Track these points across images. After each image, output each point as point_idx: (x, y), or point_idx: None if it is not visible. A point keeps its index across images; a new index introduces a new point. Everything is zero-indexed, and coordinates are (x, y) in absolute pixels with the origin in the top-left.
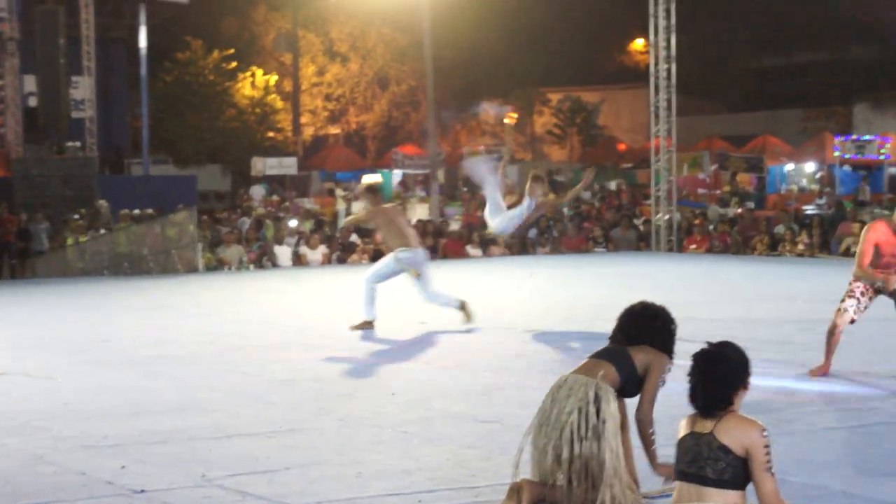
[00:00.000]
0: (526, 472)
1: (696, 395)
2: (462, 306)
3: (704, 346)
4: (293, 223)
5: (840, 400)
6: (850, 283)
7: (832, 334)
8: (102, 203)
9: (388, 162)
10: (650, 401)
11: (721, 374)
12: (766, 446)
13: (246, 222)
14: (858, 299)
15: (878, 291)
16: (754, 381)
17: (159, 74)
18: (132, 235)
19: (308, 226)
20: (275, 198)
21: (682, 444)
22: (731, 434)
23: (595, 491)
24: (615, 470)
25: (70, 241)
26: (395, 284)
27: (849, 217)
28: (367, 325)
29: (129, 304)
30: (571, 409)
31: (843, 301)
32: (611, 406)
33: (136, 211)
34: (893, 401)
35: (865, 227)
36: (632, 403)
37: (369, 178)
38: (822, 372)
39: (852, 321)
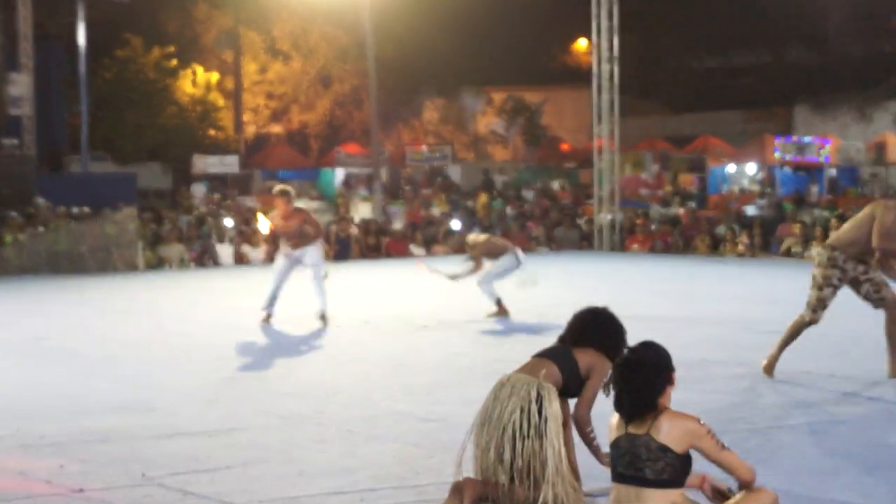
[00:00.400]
0: (469, 471)
1: (621, 403)
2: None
3: (625, 352)
4: (229, 223)
5: (784, 398)
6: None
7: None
8: (40, 201)
9: (331, 161)
10: (588, 402)
11: (643, 379)
12: (709, 431)
13: (186, 221)
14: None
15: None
16: (684, 385)
17: (99, 71)
18: (71, 233)
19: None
20: (216, 196)
21: (618, 446)
22: (670, 434)
23: (537, 490)
24: (557, 469)
25: (9, 239)
26: (338, 283)
27: (788, 218)
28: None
29: (68, 303)
30: (514, 409)
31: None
32: (553, 405)
33: (75, 209)
34: (834, 398)
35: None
36: (574, 403)
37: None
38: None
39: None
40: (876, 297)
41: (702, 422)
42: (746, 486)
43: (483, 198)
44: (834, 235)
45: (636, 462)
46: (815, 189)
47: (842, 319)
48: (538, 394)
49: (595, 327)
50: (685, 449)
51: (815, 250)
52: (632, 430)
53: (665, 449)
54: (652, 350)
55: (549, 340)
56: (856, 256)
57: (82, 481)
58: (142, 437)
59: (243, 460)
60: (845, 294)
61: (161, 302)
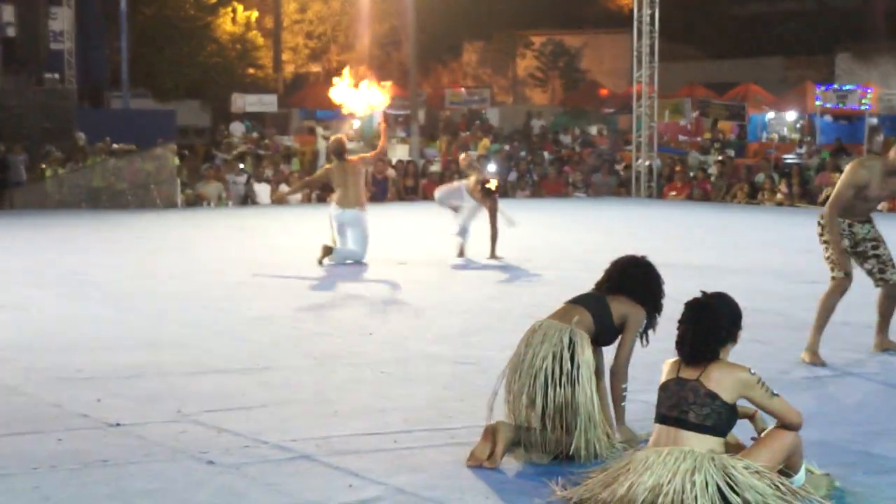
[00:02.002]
0: (500, 416)
1: (683, 343)
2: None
3: (699, 295)
4: (241, 165)
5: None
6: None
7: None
8: (80, 136)
9: None
10: (626, 354)
11: (711, 324)
12: (759, 380)
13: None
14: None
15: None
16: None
17: (139, 8)
18: (110, 169)
19: (296, 166)
20: (254, 135)
21: (666, 389)
22: (721, 382)
23: (569, 436)
24: (590, 416)
25: (48, 173)
26: (375, 225)
27: (828, 167)
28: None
29: (106, 238)
30: (546, 355)
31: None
32: (585, 352)
33: (115, 145)
34: (872, 351)
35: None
36: (608, 351)
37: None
38: None
39: None
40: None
41: (752, 371)
42: (796, 429)
43: (485, 142)
44: None
45: (681, 404)
46: (879, 138)
47: None
48: (570, 340)
49: (634, 277)
50: (734, 398)
51: None
52: (683, 375)
53: (713, 396)
54: (725, 300)
55: (584, 286)
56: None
57: (118, 416)
58: (176, 374)
59: (277, 399)
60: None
61: (197, 240)
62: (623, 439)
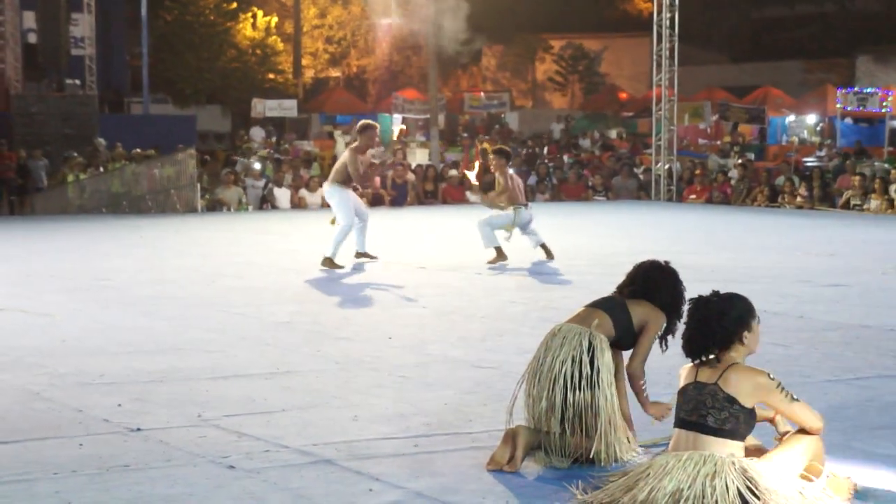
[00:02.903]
0: (520, 419)
1: (685, 339)
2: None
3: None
4: (257, 166)
5: (842, 352)
6: None
7: None
8: (100, 141)
9: (389, 106)
10: (642, 356)
11: (705, 323)
12: (779, 385)
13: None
14: None
15: None
16: None
17: (160, 13)
18: (131, 174)
19: (315, 170)
20: (274, 140)
21: (685, 393)
22: (739, 386)
23: (589, 440)
24: (610, 420)
25: (70, 178)
26: (394, 229)
27: (848, 170)
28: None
29: (127, 244)
30: (565, 358)
31: None
32: (605, 356)
33: (137, 150)
34: (893, 354)
35: None
36: (627, 355)
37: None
38: None
39: None
40: None
41: (772, 376)
42: (817, 434)
43: (486, 144)
44: None
45: (700, 409)
46: None
47: None
48: (590, 344)
49: (657, 282)
50: (753, 403)
51: None
52: (701, 379)
53: (732, 400)
54: (730, 300)
55: (605, 290)
56: None
57: (139, 420)
58: (198, 379)
59: (298, 404)
60: None
61: (218, 244)
62: (656, 413)
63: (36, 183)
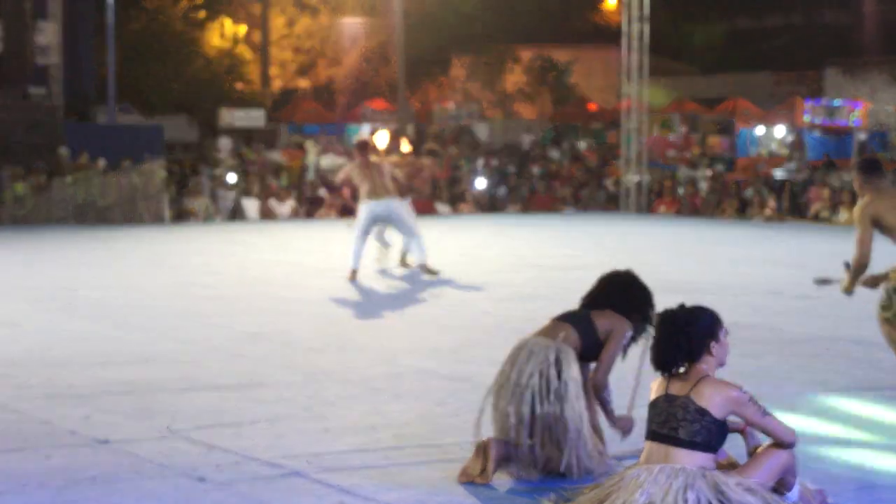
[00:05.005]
0: (488, 433)
1: (653, 352)
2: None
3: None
4: (232, 178)
5: (813, 364)
6: None
7: None
8: (63, 151)
9: (358, 117)
10: (606, 366)
11: (678, 334)
12: (751, 398)
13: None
14: None
15: None
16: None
17: (127, 22)
18: (97, 184)
19: (284, 181)
20: (242, 150)
21: (656, 406)
22: (711, 399)
23: (560, 452)
24: (579, 432)
25: (18, 188)
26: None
27: (817, 182)
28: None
29: (94, 254)
30: (532, 372)
31: None
32: (572, 369)
33: (102, 160)
34: (863, 366)
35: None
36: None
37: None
38: None
39: None
40: None
41: (743, 389)
42: (789, 447)
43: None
44: None
45: (671, 421)
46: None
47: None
48: (557, 357)
49: (616, 290)
50: (724, 415)
51: None
52: (672, 391)
53: (703, 412)
54: (696, 312)
55: (575, 301)
56: None
57: (108, 432)
58: (167, 390)
59: (268, 415)
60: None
61: (187, 255)
62: (623, 427)
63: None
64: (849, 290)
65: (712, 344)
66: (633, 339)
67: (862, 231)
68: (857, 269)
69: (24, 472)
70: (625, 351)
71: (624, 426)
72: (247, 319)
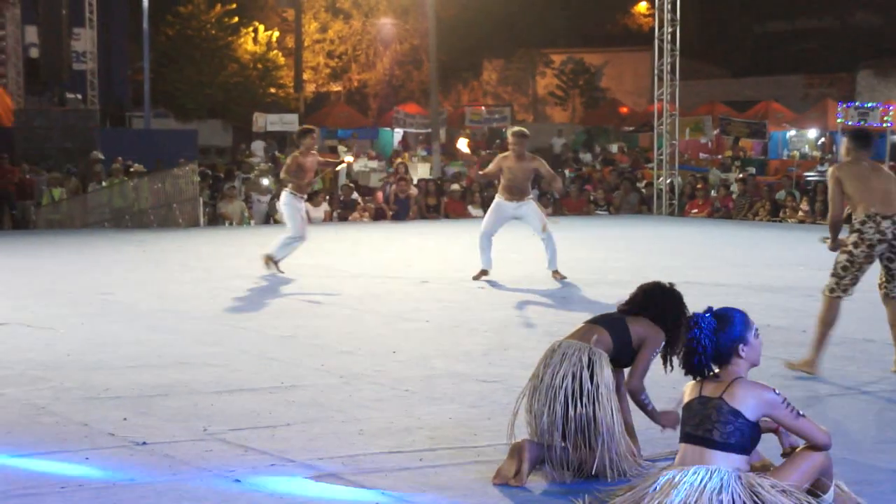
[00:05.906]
0: (522, 435)
1: (682, 357)
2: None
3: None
4: (265, 182)
5: (846, 366)
6: None
7: None
8: (96, 154)
9: (390, 121)
10: (641, 373)
11: (705, 340)
12: (784, 400)
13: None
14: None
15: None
16: None
17: (161, 28)
18: (131, 189)
19: (317, 185)
20: (276, 153)
21: (690, 408)
22: (744, 401)
23: (593, 454)
24: (612, 434)
25: (56, 193)
26: (397, 244)
27: None
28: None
29: (130, 258)
30: (565, 374)
31: None
32: (604, 371)
33: (137, 165)
34: None
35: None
36: (627, 372)
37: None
38: None
39: None
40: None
41: (777, 391)
42: (824, 449)
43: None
44: None
45: (705, 423)
46: None
47: None
48: (589, 359)
49: (658, 300)
50: (758, 417)
51: None
52: (706, 393)
53: (736, 413)
54: (725, 317)
55: (607, 304)
56: None
57: (145, 434)
58: (203, 392)
59: (303, 418)
60: None
61: (221, 258)
62: (669, 423)
63: (38, 197)
64: (832, 248)
65: (742, 347)
66: (670, 350)
67: (830, 191)
68: (831, 226)
69: (64, 473)
70: (665, 360)
71: (669, 422)
72: (280, 322)
